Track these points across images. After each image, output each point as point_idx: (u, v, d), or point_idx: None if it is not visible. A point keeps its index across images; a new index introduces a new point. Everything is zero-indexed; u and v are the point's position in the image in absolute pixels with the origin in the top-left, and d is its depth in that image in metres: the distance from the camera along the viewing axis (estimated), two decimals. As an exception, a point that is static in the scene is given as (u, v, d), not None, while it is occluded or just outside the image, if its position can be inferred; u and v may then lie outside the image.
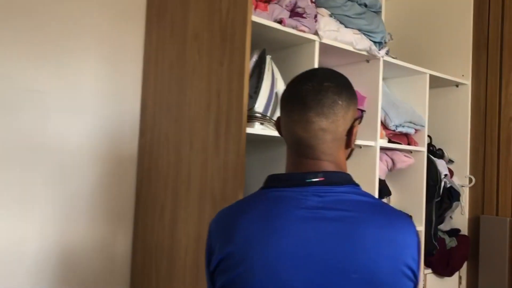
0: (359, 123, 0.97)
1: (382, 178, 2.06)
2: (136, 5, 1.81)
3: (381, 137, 1.96)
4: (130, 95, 1.79)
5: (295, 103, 0.91)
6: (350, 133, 0.93)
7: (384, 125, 2.01)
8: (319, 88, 0.89)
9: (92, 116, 1.69)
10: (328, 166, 0.90)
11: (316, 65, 1.66)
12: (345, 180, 0.90)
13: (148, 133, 1.76)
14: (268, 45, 1.65)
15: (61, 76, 1.62)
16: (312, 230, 0.82)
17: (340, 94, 0.90)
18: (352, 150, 1.00)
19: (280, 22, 1.54)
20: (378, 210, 0.87)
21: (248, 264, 0.82)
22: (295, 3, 1.59)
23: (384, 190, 2.04)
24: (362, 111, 1.88)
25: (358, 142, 1.84)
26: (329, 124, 0.88)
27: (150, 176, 1.72)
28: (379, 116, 1.90)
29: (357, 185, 0.92)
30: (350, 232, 0.81)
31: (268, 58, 1.62)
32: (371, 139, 1.88)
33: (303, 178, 0.88)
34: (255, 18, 1.43)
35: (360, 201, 0.87)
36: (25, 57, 1.55)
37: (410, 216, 2.05)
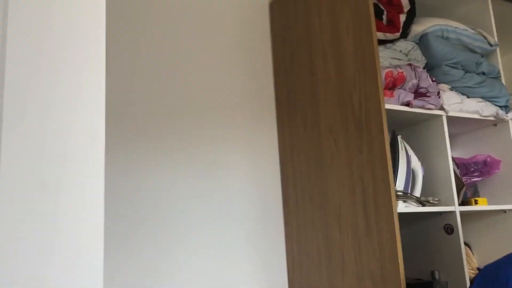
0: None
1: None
2: (268, 111, 2.04)
3: (525, 198, 1.90)
4: (271, 190, 1.97)
5: None
6: None
7: (525, 186, 1.96)
8: None
9: (242, 219, 1.88)
10: None
11: (447, 136, 1.72)
12: None
13: (293, 222, 1.89)
14: (397, 124, 1.76)
15: (216, 189, 1.85)
16: None
17: None
18: None
19: (407, 104, 1.65)
20: None
21: None
22: (418, 85, 1.70)
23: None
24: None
25: (501, 207, 1.82)
26: None
27: (301, 262, 1.82)
28: (519, 178, 1.87)
29: None
30: None
31: (399, 138, 1.72)
32: (515, 202, 1.84)
33: None
34: (386, 106, 1.56)
35: None
36: (192, 177, 1.80)
37: None
